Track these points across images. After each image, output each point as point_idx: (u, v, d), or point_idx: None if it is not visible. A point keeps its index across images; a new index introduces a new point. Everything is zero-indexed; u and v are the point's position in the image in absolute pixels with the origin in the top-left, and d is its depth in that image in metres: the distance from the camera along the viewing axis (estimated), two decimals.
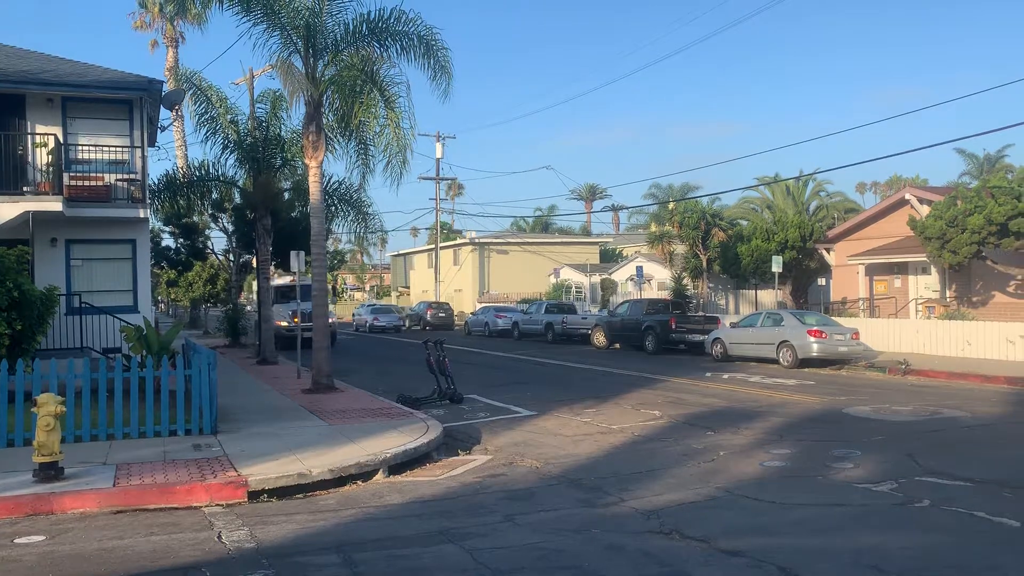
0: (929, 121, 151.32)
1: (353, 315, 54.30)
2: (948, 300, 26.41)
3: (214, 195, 27.30)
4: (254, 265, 29.68)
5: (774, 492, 8.59)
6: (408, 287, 72.90)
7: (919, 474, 9.16)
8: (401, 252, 77.23)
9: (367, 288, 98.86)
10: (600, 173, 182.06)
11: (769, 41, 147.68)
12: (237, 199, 29.58)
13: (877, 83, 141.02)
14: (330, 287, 63.56)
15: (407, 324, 48.46)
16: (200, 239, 38.21)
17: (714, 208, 39.39)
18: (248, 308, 40.33)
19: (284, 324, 30.04)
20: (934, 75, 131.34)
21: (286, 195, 27.34)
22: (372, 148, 17.52)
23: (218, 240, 67.03)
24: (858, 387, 17.41)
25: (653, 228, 44.52)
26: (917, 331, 23.85)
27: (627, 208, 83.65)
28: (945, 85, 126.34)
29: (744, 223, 40.95)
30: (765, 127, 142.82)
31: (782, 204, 45.60)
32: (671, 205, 42.62)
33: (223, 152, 23.14)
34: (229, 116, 22.96)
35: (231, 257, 35.00)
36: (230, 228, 32.28)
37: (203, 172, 24.56)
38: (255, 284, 31.20)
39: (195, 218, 35.56)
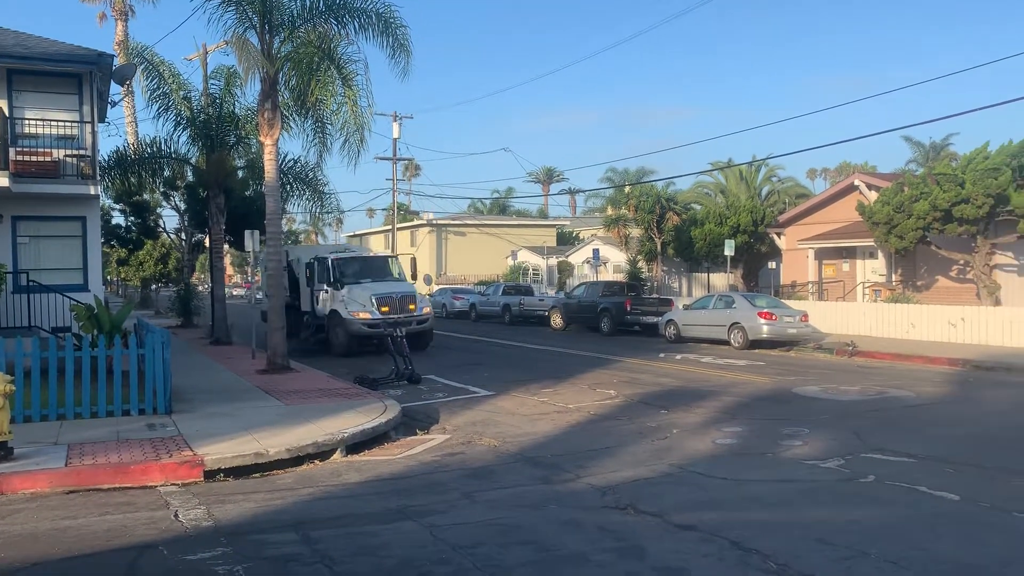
0: (878, 108, 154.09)
1: None
2: (894, 284, 27.10)
3: (166, 173, 26.82)
4: (207, 244, 29.26)
5: (726, 469, 8.81)
6: None
7: (864, 451, 9.47)
8: (357, 233, 76.61)
9: None
10: (557, 156, 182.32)
11: (727, 27, 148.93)
12: (190, 177, 29.04)
13: (831, 70, 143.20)
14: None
15: None
16: (152, 217, 37.45)
17: (669, 192, 39.71)
18: (200, 288, 39.70)
19: (365, 317, 20.57)
20: (885, 63, 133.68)
21: (240, 173, 26.95)
22: (329, 127, 17.38)
23: (170, 219, 65.66)
24: (807, 368, 17.84)
25: (609, 211, 44.78)
26: (864, 314, 24.46)
27: (584, 191, 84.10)
28: (895, 73, 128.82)
29: (698, 207, 41.43)
30: (720, 112, 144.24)
31: (735, 189, 46.20)
32: (627, 189, 42.93)
33: (176, 129, 22.74)
34: (182, 92, 22.54)
35: (183, 236, 34.40)
36: (182, 207, 31.71)
37: (155, 149, 24.06)
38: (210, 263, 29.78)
39: (146, 196, 34.82)
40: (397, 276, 22.86)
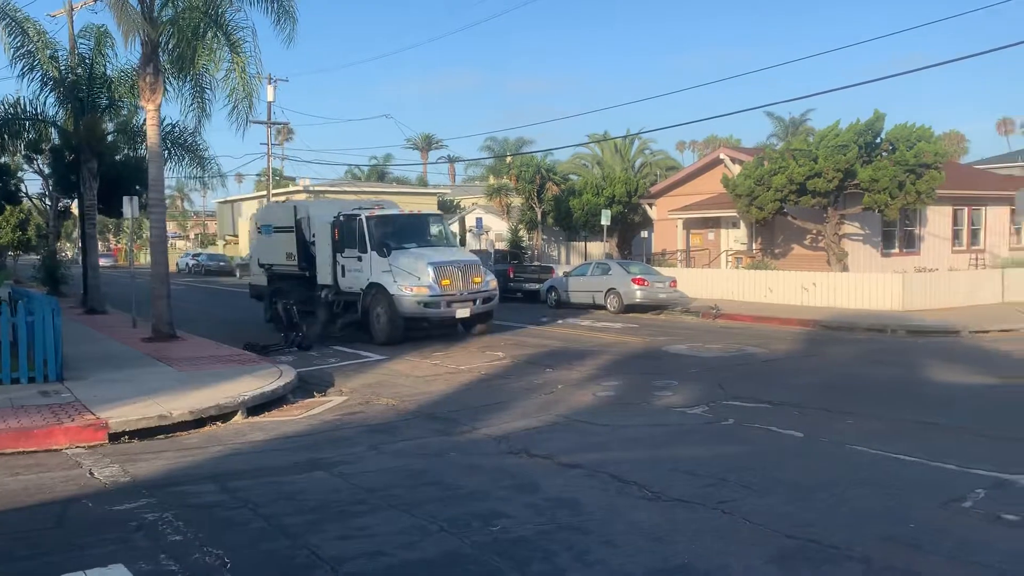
0: (744, 85, 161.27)
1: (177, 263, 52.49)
2: (754, 252, 29.16)
3: (30, 135, 25.45)
4: (74, 211, 28.11)
5: (606, 417, 9.78)
6: (236, 235, 70.38)
7: (726, 399, 10.66)
8: (229, 199, 74.20)
9: (190, 236, 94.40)
10: (436, 124, 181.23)
11: (603, 4, 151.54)
12: (56, 140, 27.66)
13: (702, 48, 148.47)
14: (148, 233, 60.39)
15: (239, 274, 47.49)
16: (12, 181, 35.34)
17: (548, 163, 40.85)
18: (64, 255, 37.90)
19: (421, 292, 16.42)
20: (751, 41, 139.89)
21: (110, 137, 25.95)
22: (209, 92, 17.19)
23: (32, 183, 61.83)
24: (676, 329, 19.23)
25: (492, 181, 45.60)
26: (727, 280, 26.29)
27: (464, 160, 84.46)
28: (759, 51, 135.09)
29: (576, 178, 42.77)
30: (597, 86, 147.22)
31: (611, 161, 47.85)
32: (508, 159, 43.80)
33: (42, 89, 21.69)
34: (49, 51, 21.51)
35: (47, 202, 32.73)
36: (47, 171, 30.17)
37: (16, 110, 22.86)
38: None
39: (6, 159, 32.85)
40: (447, 240, 18.59)
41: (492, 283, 17.91)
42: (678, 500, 6.42)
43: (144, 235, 54.02)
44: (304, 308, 18.11)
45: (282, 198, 59.62)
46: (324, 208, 19.44)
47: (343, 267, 17.90)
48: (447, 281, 16.70)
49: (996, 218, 30.25)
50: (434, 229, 18.70)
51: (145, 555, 5.36)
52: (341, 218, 17.74)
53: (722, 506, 6.22)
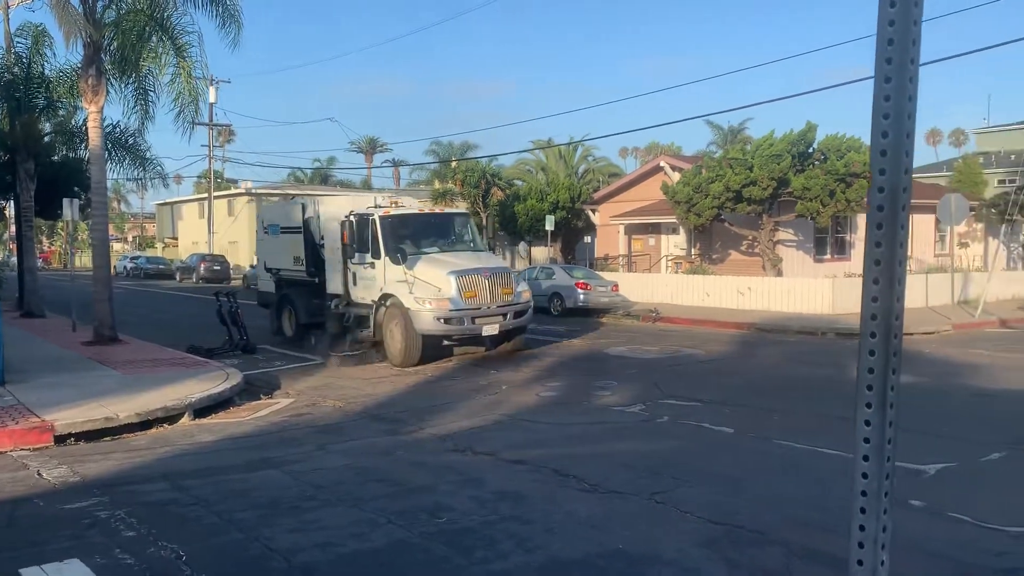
0: (684, 93, 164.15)
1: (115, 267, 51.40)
2: (693, 257, 29.97)
3: None
4: (8, 213, 27.47)
5: (548, 416, 10.16)
6: (176, 238, 69.20)
7: (662, 398, 11.13)
8: (168, 201, 72.89)
9: (128, 239, 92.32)
10: (381, 127, 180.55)
11: (549, 11, 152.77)
12: None
13: (644, 54, 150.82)
14: (86, 236, 58.89)
15: (179, 277, 46.86)
16: None
17: (493, 168, 41.28)
18: None
19: (441, 307, 14.28)
20: (692, 51, 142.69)
21: (47, 138, 25.46)
22: (153, 94, 17.09)
23: None
24: (617, 332, 19.75)
25: (437, 185, 45.75)
26: (666, 284, 26.99)
27: (410, 164, 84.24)
28: (701, 61, 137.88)
29: (520, 183, 43.27)
30: (540, 92, 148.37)
31: (554, 167, 48.45)
32: (453, 163, 44.06)
33: None
34: None
35: None
36: None
37: None
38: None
39: None
40: (473, 244, 16.48)
41: (525, 294, 15.75)
42: (615, 492, 6.80)
43: (80, 237, 52.61)
44: (313, 320, 16.84)
45: (224, 201, 59.05)
46: (335, 206, 17.12)
47: (354, 274, 15.77)
48: (472, 293, 14.48)
49: (922, 226, 31.58)
50: (459, 231, 16.65)
51: (100, 550, 5.52)
52: (352, 218, 15.52)
53: (655, 496, 6.62)
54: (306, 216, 17.19)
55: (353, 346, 15.67)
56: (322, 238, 16.77)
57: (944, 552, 5.45)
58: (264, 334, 17.96)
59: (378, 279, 15.15)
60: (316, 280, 16.94)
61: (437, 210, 18.00)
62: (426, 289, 14.36)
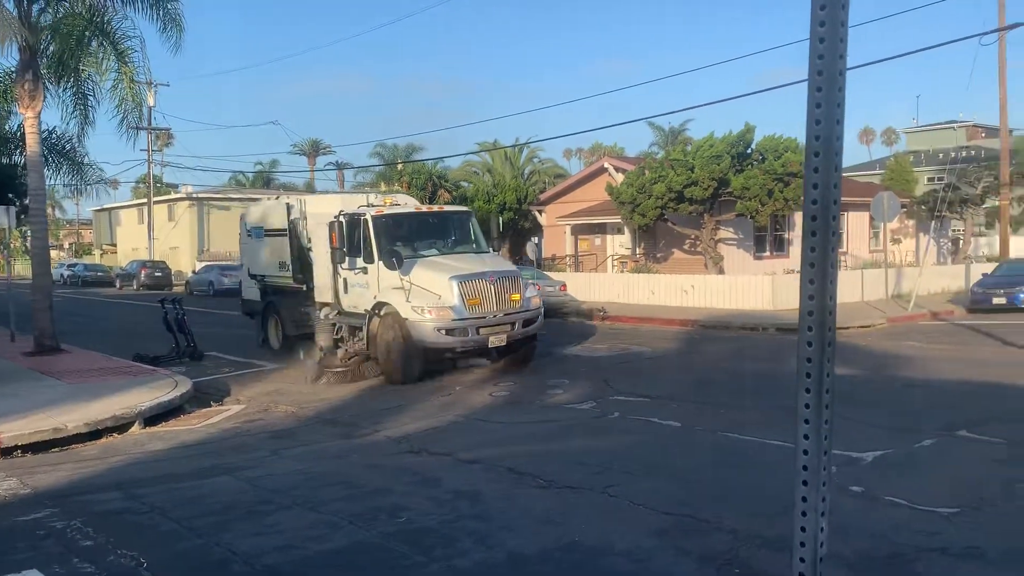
0: (627, 94, 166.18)
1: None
2: (638, 256, 30.48)
3: None
4: None
5: (501, 415, 10.33)
6: (115, 244, 67.59)
7: (612, 395, 11.39)
8: (106, 207, 71.11)
9: (64, 245, 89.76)
10: (324, 130, 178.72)
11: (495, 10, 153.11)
12: None
13: (589, 57, 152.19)
14: (19, 244, 57.00)
15: (119, 284, 45.93)
16: None
17: (440, 170, 41.31)
18: None
19: (442, 317, 12.90)
20: (635, 54, 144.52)
21: None
22: (92, 99, 16.79)
23: None
24: (565, 331, 20.00)
25: (383, 187, 45.55)
26: (613, 283, 27.39)
27: (354, 167, 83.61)
28: (643, 63, 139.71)
29: (467, 185, 43.36)
30: (487, 93, 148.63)
31: (501, 169, 48.66)
32: (399, 166, 43.95)
33: None
34: None
35: None
36: None
37: None
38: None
39: None
40: (476, 245, 15.15)
41: (535, 300, 14.22)
42: (568, 487, 6.99)
43: (13, 245, 50.92)
44: (302, 332, 15.52)
45: (164, 206, 57.87)
46: (324, 206, 15.64)
47: (345, 281, 14.33)
48: (476, 300, 13.08)
49: (857, 223, 32.63)
50: (460, 230, 15.31)
51: (58, 560, 5.50)
52: (342, 218, 13.96)
53: (608, 490, 6.83)
54: (292, 217, 15.87)
55: (345, 361, 13.95)
56: (310, 241, 15.43)
57: (882, 533, 5.76)
58: (216, 341, 17.76)
59: (371, 286, 13.72)
60: (304, 287, 15.63)
61: (436, 208, 16.67)
62: (425, 296, 12.98)
